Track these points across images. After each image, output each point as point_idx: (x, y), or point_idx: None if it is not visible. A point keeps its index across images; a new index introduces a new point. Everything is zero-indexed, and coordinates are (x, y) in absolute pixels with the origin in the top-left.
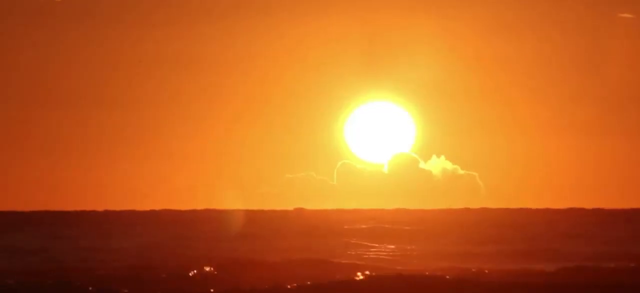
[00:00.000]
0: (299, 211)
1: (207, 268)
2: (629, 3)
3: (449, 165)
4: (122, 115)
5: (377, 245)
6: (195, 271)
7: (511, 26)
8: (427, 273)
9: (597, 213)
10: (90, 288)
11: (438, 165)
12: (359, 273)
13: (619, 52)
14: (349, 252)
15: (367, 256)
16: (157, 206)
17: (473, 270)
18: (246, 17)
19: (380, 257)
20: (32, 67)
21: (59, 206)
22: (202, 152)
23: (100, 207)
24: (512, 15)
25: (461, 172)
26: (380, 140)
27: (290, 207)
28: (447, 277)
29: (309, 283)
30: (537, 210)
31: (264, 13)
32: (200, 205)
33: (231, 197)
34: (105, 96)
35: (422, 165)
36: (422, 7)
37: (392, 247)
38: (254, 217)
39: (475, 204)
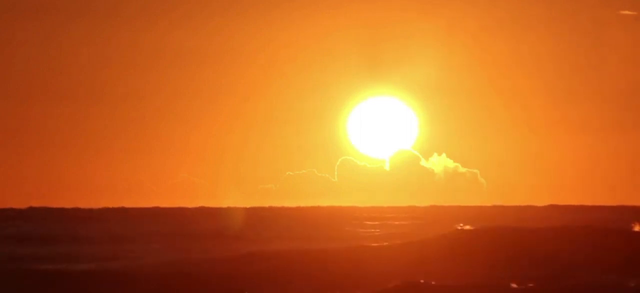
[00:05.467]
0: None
1: None
2: (630, 0)
3: (450, 163)
4: (121, 112)
5: None
6: None
7: (513, 25)
8: None
9: (598, 210)
10: None
11: (439, 163)
12: None
13: (620, 49)
14: None
15: None
16: (157, 203)
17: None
18: (245, 12)
19: None
20: (31, 64)
21: (58, 203)
22: (202, 149)
23: (98, 205)
24: (515, 14)
25: (462, 169)
26: (382, 137)
27: (290, 205)
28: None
29: None
30: (538, 208)
31: (263, 8)
32: (200, 203)
33: (232, 195)
34: (104, 92)
35: (423, 162)
36: (425, 4)
37: None
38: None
39: (476, 202)
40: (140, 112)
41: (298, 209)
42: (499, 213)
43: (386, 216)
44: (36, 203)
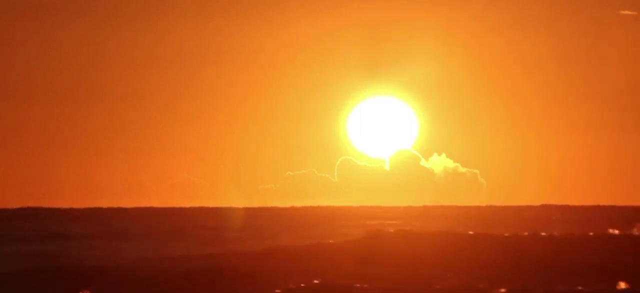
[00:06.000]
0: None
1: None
2: (630, 0)
3: (450, 163)
4: (121, 112)
5: None
6: None
7: (513, 25)
8: None
9: (597, 210)
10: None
11: (439, 163)
12: None
13: (620, 49)
14: None
15: None
16: (157, 204)
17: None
18: (245, 12)
19: None
20: (31, 64)
21: (58, 204)
22: (202, 149)
23: (97, 205)
24: (515, 14)
25: (462, 169)
26: (381, 137)
27: (290, 205)
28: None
29: None
30: (538, 207)
31: (263, 8)
32: (200, 203)
33: (232, 195)
34: (104, 92)
35: (423, 162)
36: (425, 4)
37: None
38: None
39: (476, 202)
40: (140, 112)
41: (295, 209)
42: (497, 213)
43: (377, 216)
44: (35, 203)
